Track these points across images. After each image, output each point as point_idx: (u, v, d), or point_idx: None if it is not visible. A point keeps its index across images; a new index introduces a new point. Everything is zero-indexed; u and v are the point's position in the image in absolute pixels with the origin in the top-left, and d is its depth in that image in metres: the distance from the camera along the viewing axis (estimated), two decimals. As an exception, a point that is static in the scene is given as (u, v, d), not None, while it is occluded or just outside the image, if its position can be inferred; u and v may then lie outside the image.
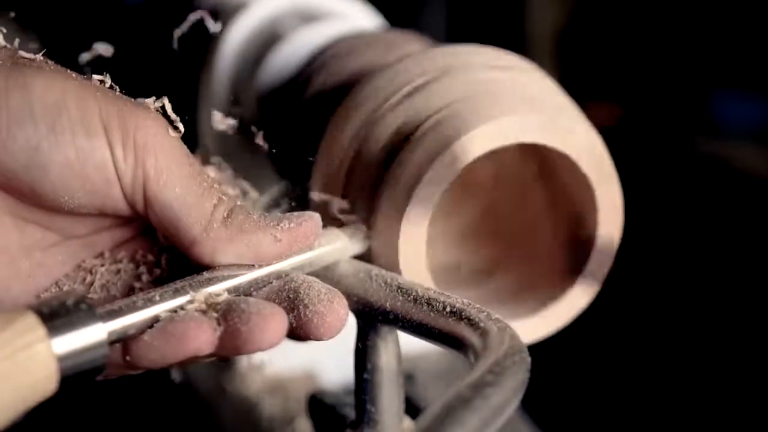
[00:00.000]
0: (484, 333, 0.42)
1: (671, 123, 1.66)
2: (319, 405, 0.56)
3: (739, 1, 1.65)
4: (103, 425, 0.81)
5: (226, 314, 0.42)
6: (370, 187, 0.50)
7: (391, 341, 0.49)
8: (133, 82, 0.46)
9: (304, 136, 0.59)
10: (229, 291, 0.43)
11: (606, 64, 1.75)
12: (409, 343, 0.49)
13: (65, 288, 0.45)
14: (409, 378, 0.62)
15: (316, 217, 0.46)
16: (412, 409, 0.52)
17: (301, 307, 0.43)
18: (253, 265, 0.44)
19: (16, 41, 0.44)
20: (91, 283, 0.45)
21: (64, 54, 0.46)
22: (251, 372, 0.72)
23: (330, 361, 0.74)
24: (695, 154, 1.58)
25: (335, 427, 0.53)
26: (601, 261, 0.52)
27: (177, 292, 0.42)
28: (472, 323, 0.42)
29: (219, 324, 0.41)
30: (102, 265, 0.46)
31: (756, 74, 1.62)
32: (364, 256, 0.49)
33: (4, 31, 0.44)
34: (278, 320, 0.42)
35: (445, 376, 0.73)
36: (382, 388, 0.49)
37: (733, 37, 1.64)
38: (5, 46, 0.43)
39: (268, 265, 0.44)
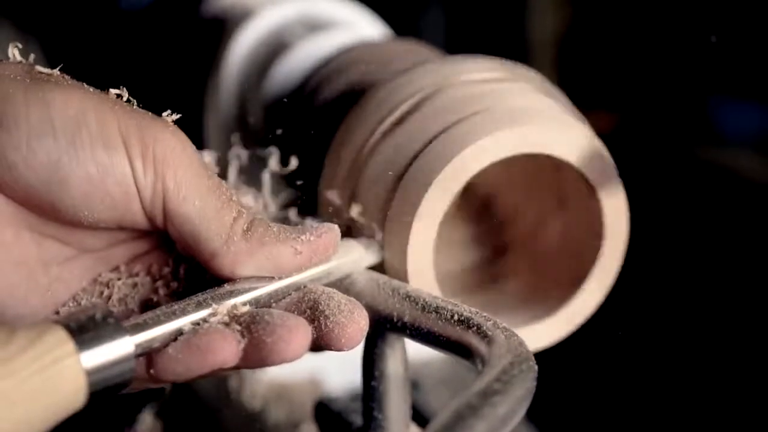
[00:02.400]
0: (491, 341, 0.42)
1: (671, 130, 1.66)
2: (325, 411, 0.56)
3: (737, 9, 1.65)
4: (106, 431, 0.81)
5: (249, 326, 0.42)
6: (376, 206, 0.50)
7: (399, 349, 0.49)
8: (138, 90, 0.46)
9: (311, 144, 0.59)
10: (249, 303, 0.43)
11: (606, 72, 1.75)
12: (414, 351, 0.49)
13: (83, 302, 0.45)
14: (413, 385, 0.62)
15: (335, 229, 0.46)
16: (417, 415, 0.52)
17: (321, 318, 0.43)
18: (273, 277, 0.44)
19: (32, 56, 0.44)
20: (109, 297, 0.45)
21: (67, 60, 0.46)
22: (256, 378, 0.72)
23: (334, 367, 0.74)
24: (695, 161, 1.58)
25: (342, 434, 0.54)
26: (609, 262, 0.52)
27: (199, 305, 0.42)
28: (479, 331, 0.43)
29: (243, 336, 0.41)
30: (119, 279, 0.46)
31: (755, 82, 1.62)
32: (377, 266, 0.50)
33: (20, 46, 0.44)
34: (302, 332, 0.42)
35: (449, 383, 0.74)
36: (389, 395, 0.49)
37: (732, 45, 1.64)
38: (21, 62, 0.43)
39: (287, 277, 0.45)
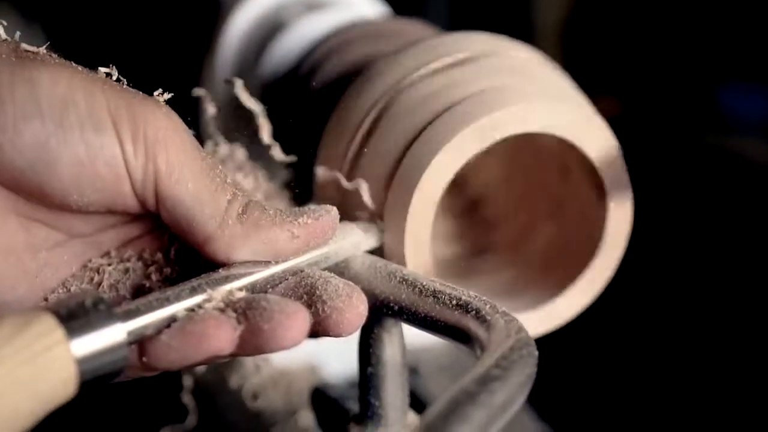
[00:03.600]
0: (490, 326, 0.41)
1: (678, 116, 1.65)
2: (322, 398, 0.55)
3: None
4: (101, 416, 0.81)
5: (246, 312, 0.40)
6: (375, 189, 0.49)
7: (396, 334, 0.48)
8: (134, 71, 0.45)
9: (308, 124, 0.58)
10: (245, 288, 0.42)
11: (612, 57, 1.74)
12: (413, 336, 0.48)
13: (72, 288, 0.44)
14: (412, 371, 0.61)
15: (334, 211, 0.44)
16: (416, 402, 0.51)
17: (319, 303, 0.42)
18: (269, 262, 0.43)
19: (17, 34, 0.42)
20: (99, 283, 0.44)
21: (66, 42, 0.45)
22: (253, 364, 0.71)
23: (332, 353, 0.73)
24: (704, 147, 1.57)
25: (338, 421, 0.53)
26: (610, 252, 0.51)
27: (194, 291, 0.41)
28: (478, 316, 0.42)
29: (239, 322, 0.40)
30: (109, 265, 0.45)
31: (763, 68, 1.61)
32: (376, 251, 0.49)
33: (5, 24, 0.42)
34: (301, 318, 0.40)
35: (449, 369, 0.73)
36: (386, 381, 0.48)
37: (741, 30, 1.63)
38: (7, 40, 0.42)
39: (284, 261, 0.43)
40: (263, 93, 0.65)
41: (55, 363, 0.35)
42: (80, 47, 0.47)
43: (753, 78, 1.64)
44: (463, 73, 0.49)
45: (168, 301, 0.40)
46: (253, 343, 0.40)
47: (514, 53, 0.52)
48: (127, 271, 0.45)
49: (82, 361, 0.36)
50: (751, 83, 1.64)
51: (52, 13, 0.99)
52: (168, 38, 0.82)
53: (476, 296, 0.43)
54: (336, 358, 0.73)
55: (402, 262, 0.48)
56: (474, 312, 0.42)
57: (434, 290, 0.44)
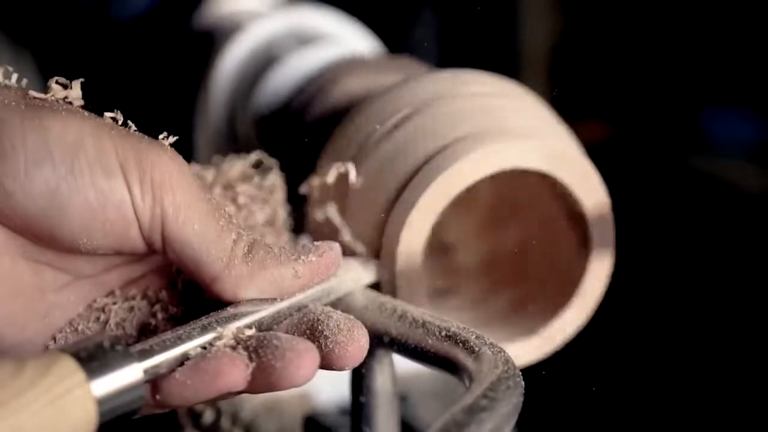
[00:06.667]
0: (478, 357, 0.42)
1: (663, 140, 1.67)
2: (314, 426, 0.56)
3: (730, 18, 1.66)
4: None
5: (257, 350, 0.41)
6: (368, 222, 0.50)
7: (387, 364, 0.49)
8: (129, 102, 0.46)
9: (300, 158, 0.59)
10: (253, 326, 0.43)
11: (598, 82, 1.75)
12: (403, 363, 0.49)
13: (80, 327, 0.45)
14: (402, 398, 0.62)
15: (336, 248, 0.45)
16: (406, 429, 0.52)
17: (321, 338, 0.43)
18: (275, 299, 0.44)
19: (24, 81, 0.43)
20: (106, 322, 0.45)
21: (57, 70, 0.46)
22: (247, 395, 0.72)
23: (325, 381, 0.73)
24: (686, 170, 1.58)
25: (331, 449, 0.54)
26: (595, 280, 0.53)
27: (204, 329, 0.42)
28: (466, 347, 0.43)
29: (251, 360, 0.41)
30: (114, 303, 0.45)
31: (747, 91, 1.63)
32: (373, 284, 0.50)
33: (11, 69, 0.43)
34: (312, 356, 0.41)
35: (439, 396, 0.73)
36: (377, 411, 0.49)
37: (725, 54, 1.64)
38: (15, 87, 0.43)
39: (289, 298, 0.44)
40: (257, 127, 0.67)
41: (76, 404, 0.36)
42: (71, 77, 0.48)
43: (736, 102, 1.66)
44: (450, 112, 0.51)
45: (180, 340, 0.41)
46: (264, 380, 0.41)
47: (498, 90, 0.53)
48: (132, 309, 0.46)
49: (102, 402, 0.37)
50: (734, 107, 1.66)
51: (43, 40, 1.00)
52: (161, 71, 0.83)
53: (465, 327, 0.44)
54: (328, 386, 0.73)
55: (394, 293, 0.49)
56: (462, 343, 0.43)
57: (424, 321, 0.45)
